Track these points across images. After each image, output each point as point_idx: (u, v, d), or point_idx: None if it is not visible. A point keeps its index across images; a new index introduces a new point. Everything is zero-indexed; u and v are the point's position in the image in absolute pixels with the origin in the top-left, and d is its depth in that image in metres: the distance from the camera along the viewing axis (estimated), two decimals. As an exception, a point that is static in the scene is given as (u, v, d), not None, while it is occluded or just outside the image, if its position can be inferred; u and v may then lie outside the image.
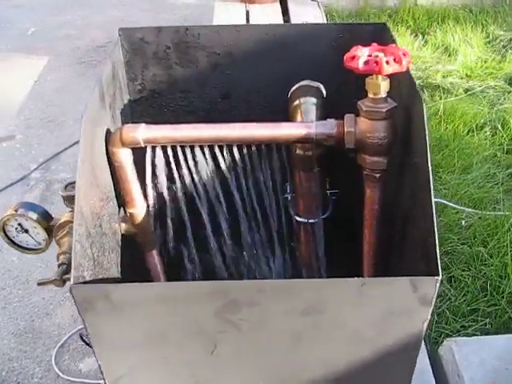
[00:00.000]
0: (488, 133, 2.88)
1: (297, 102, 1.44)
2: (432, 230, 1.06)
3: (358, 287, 1.02)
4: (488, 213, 2.49)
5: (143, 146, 1.28)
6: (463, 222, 2.47)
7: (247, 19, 2.88)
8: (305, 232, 1.56)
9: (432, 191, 1.09)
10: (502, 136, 2.85)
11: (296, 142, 1.25)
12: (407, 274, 1.22)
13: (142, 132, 1.26)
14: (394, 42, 1.35)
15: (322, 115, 1.42)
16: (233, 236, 1.43)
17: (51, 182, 3.03)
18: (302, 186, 1.48)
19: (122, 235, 1.39)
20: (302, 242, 1.58)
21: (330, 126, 1.24)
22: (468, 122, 2.93)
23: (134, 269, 1.42)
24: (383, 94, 1.19)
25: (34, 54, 4.08)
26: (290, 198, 1.57)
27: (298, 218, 1.55)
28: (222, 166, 1.32)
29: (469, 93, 3.18)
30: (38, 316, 2.24)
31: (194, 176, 1.34)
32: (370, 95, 1.20)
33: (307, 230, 1.56)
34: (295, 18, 2.99)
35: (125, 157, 1.30)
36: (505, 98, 3.11)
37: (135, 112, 1.50)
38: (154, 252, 1.49)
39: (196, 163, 1.32)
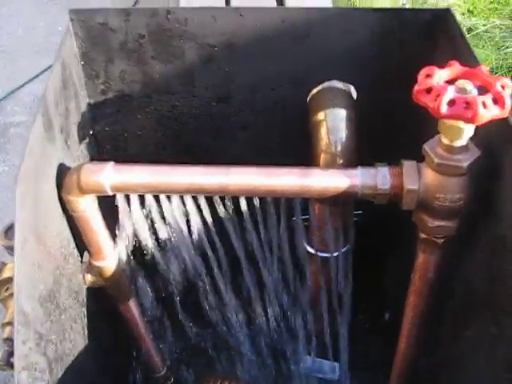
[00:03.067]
0: (495, 82, 2.43)
1: (321, 116, 1.00)
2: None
3: None
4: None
5: (111, 194, 0.84)
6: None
7: None
8: (321, 267, 1.16)
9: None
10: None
11: (332, 198, 0.81)
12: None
13: (108, 176, 0.83)
14: (462, 36, 0.90)
15: (356, 132, 0.99)
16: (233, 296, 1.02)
17: (6, 126, 2.52)
18: (324, 220, 1.07)
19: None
20: (316, 280, 1.18)
21: (382, 179, 0.82)
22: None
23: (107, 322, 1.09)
24: (465, 142, 0.76)
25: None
26: (300, 221, 1.15)
27: (312, 250, 1.14)
28: (223, 218, 0.89)
29: (472, 33, 2.70)
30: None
31: (183, 228, 0.90)
32: (446, 141, 0.76)
33: (325, 265, 1.15)
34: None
35: (86, 206, 0.87)
36: (512, 40, 2.65)
37: (98, 120, 1.05)
38: (131, 302, 1.07)
39: (186, 213, 0.88)
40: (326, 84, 1.03)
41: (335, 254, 1.12)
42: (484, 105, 0.72)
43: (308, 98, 1.04)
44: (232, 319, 1.06)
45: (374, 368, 1.23)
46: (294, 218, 1.12)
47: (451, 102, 0.73)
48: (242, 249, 0.97)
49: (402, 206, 0.82)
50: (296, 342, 1.22)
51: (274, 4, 1.29)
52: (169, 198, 0.89)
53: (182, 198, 0.89)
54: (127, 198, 0.88)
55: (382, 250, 1.21)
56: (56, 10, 3.01)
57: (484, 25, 2.74)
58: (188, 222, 0.95)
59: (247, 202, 0.89)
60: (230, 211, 0.93)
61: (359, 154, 0.98)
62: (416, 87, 0.75)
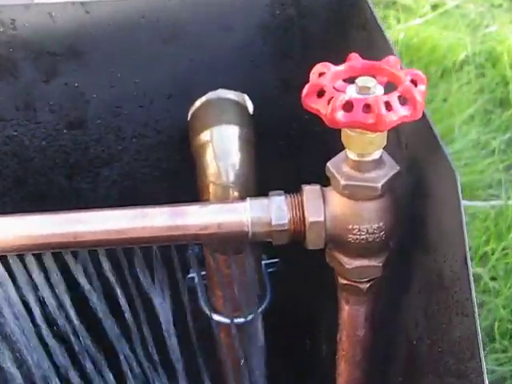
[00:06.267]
0: (472, 74, 2.57)
1: (206, 136, 1.07)
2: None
3: None
4: (482, 204, 2.21)
5: None
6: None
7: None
8: (228, 336, 1.22)
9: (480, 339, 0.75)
10: (493, 78, 2.55)
11: (218, 242, 0.88)
12: None
13: None
14: (376, 22, 0.99)
15: (253, 155, 1.06)
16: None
17: None
18: (223, 274, 1.13)
19: None
20: (226, 353, 1.24)
21: (277, 212, 0.89)
22: (441, 59, 2.61)
23: None
24: (377, 155, 0.83)
25: None
26: (197, 279, 1.21)
27: (216, 317, 1.20)
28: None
29: (439, 11, 2.85)
30: None
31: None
32: (352, 156, 0.83)
33: (232, 334, 1.22)
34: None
35: None
36: (492, 17, 2.80)
37: None
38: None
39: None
40: (211, 95, 1.10)
41: (248, 318, 1.18)
42: (388, 106, 0.78)
43: (189, 115, 1.11)
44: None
45: None
46: (191, 275, 1.18)
47: (348, 106, 0.78)
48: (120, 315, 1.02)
49: (307, 245, 0.89)
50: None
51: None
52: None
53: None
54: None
55: (307, 305, 1.28)
56: None
57: (454, -1, 2.89)
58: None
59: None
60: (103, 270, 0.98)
61: (260, 183, 1.05)
62: (304, 90, 0.81)
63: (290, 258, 1.20)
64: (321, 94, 0.80)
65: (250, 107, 1.10)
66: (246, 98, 1.09)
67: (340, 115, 0.77)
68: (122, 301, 1.00)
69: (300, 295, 1.23)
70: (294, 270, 1.19)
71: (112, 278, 0.97)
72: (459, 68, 2.65)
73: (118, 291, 0.99)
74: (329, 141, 1.04)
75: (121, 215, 0.89)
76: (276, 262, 1.23)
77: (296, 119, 1.11)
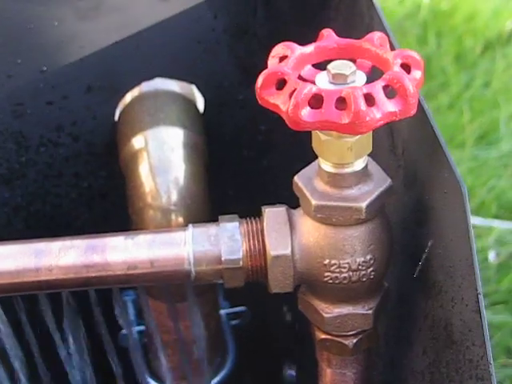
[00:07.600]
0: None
1: (139, 143, 1.09)
2: None
3: None
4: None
5: None
6: (491, 253, 2.19)
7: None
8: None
9: None
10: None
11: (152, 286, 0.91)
12: None
13: None
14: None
15: (204, 168, 1.08)
16: None
17: None
18: (162, 328, 1.15)
19: None
20: None
21: (229, 244, 0.91)
22: (482, 30, 2.65)
23: None
24: (359, 165, 0.85)
25: None
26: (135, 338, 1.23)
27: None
28: None
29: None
30: None
31: None
32: (327, 167, 0.85)
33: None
34: None
35: None
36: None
37: None
38: None
39: None
40: (146, 86, 1.12)
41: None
42: (370, 99, 0.79)
43: (116, 114, 1.13)
44: None
45: None
46: (124, 332, 1.20)
47: (316, 100, 0.79)
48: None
49: (270, 288, 0.90)
50: None
51: None
52: None
53: None
54: None
55: (283, 369, 1.29)
56: None
57: None
58: None
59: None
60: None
61: (212, 204, 1.07)
62: (259, 80, 0.82)
63: (259, 305, 1.21)
64: (281, 84, 0.82)
65: (200, 103, 1.11)
66: (194, 89, 1.11)
67: (305, 113, 0.79)
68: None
69: (273, 356, 1.24)
70: (266, 322, 1.19)
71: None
72: (506, 41, 2.67)
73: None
74: (307, 150, 1.05)
75: (17, 251, 0.91)
76: (242, 312, 1.24)
77: (263, 119, 1.12)
